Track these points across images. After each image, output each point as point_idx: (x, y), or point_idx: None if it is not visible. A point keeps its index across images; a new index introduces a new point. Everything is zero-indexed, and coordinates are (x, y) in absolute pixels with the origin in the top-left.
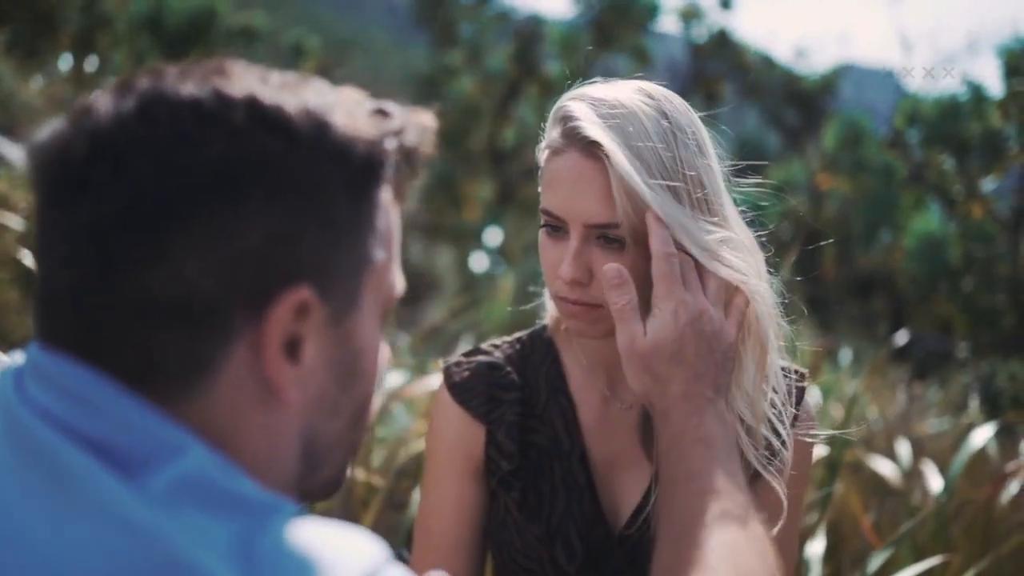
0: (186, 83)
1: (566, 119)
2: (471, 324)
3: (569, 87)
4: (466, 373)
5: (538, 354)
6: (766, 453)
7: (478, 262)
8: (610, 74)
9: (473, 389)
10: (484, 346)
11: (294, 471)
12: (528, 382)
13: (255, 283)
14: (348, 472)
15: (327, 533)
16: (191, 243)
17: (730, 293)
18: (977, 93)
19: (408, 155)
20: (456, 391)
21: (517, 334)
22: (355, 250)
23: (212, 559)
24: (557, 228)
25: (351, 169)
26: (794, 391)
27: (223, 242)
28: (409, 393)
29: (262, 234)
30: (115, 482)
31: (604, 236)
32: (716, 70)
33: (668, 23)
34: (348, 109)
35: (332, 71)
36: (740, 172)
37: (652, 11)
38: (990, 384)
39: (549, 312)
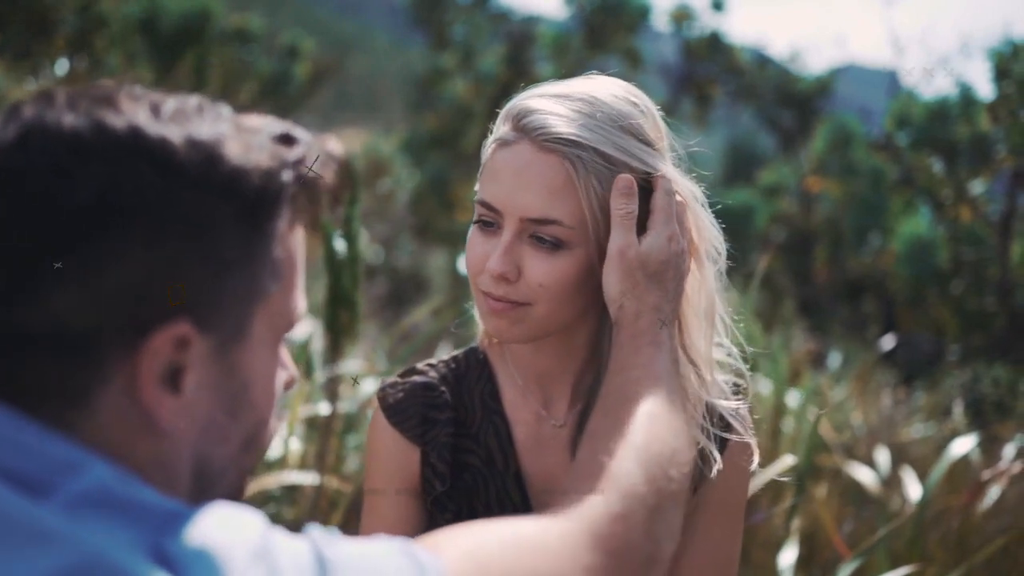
0: (69, 113)
1: (523, 113)
2: (452, 329)
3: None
4: (400, 395)
5: (473, 373)
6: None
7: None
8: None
9: (407, 411)
10: (419, 366)
11: (187, 492)
12: (463, 401)
13: (130, 317)
14: (245, 491)
15: (217, 520)
16: (63, 277)
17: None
18: (966, 96)
19: (308, 184)
20: (391, 413)
21: (454, 352)
22: (244, 282)
23: (131, 558)
24: (490, 224)
25: (242, 201)
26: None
27: (96, 277)
28: None
29: (139, 269)
30: (21, 500)
31: (537, 235)
32: (708, 72)
33: (660, 25)
34: (243, 139)
35: (331, 72)
36: (731, 174)
37: (643, 13)
38: (974, 389)
39: (481, 329)
